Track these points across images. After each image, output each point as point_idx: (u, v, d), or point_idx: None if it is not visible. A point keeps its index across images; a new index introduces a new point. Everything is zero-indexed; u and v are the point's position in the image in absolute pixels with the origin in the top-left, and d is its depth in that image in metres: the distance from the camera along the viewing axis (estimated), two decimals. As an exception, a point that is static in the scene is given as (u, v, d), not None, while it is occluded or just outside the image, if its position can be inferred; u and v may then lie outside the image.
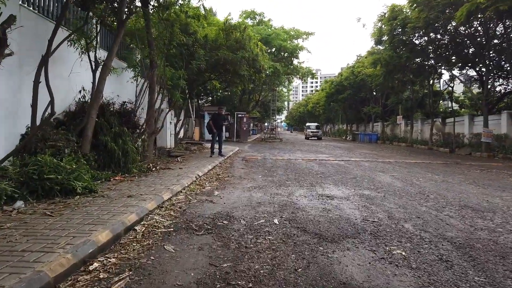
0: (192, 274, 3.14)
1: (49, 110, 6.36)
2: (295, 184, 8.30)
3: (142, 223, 4.50)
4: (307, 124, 50.36)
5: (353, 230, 4.65)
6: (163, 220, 4.75)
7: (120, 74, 11.48)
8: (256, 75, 17.53)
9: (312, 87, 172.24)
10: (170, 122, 14.53)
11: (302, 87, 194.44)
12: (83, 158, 6.76)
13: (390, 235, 4.49)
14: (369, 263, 3.57)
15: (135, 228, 4.27)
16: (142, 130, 10.50)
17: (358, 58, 38.25)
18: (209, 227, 4.57)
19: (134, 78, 10.77)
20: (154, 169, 8.96)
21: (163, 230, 4.35)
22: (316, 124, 48.81)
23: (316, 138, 42.58)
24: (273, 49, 31.39)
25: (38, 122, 6.61)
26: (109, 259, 3.31)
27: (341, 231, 4.61)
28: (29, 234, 3.56)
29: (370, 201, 6.58)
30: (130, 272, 3.07)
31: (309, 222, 4.95)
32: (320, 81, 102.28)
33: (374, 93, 38.89)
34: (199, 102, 31.75)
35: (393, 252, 3.90)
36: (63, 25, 7.43)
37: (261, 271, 3.25)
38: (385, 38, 22.66)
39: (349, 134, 50.78)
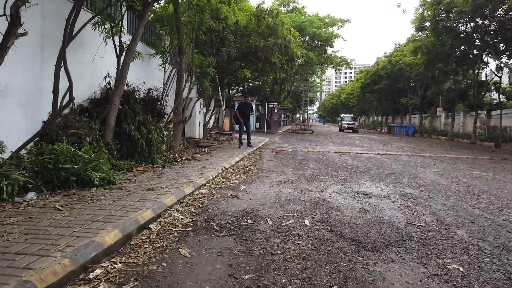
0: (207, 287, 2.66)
1: (68, 97, 6.07)
2: (328, 179, 7.67)
3: (158, 220, 4.09)
4: (342, 115, 47.64)
5: (397, 237, 4.02)
6: (182, 217, 4.31)
7: (148, 61, 11.19)
8: (288, 63, 16.82)
9: (346, 77, 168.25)
10: (199, 112, 14.20)
11: (336, 77, 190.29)
12: (105, 147, 6.46)
13: (442, 244, 3.83)
14: (420, 280, 2.95)
15: (150, 226, 3.85)
16: (169, 119, 10.18)
17: (396, 46, 36.43)
18: (231, 227, 4.09)
19: (162, 65, 10.43)
20: (179, 159, 8.60)
21: (181, 229, 3.91)
22: (351, 115, 46.38)
23: (351, 130, 39.36)
24: (307, 38, 30.37)
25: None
26: (114, 265, 2.89)
27: (383, 237, 3.99)
28: (30, 232, 3.21)
29: (414, 201, 5.87)
30: (136, 283, 2.63)
31: (345, 225, 4.36)
32: (355, 72, 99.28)
33: (412, 84, 37.01)
34: (230, 92, 31.39)
35: (448, 267, 3.25)
36: (86, 8, 7.13)
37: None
38: (427, 24, 21.22)
39: (384, 126, 48.94)
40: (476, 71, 24.34)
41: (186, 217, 4.32)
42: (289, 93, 43.62)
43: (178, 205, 4.79)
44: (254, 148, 13.06)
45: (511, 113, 21.17)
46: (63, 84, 6.36)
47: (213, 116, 17.55)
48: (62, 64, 6.11)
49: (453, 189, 7.02)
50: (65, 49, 5.97)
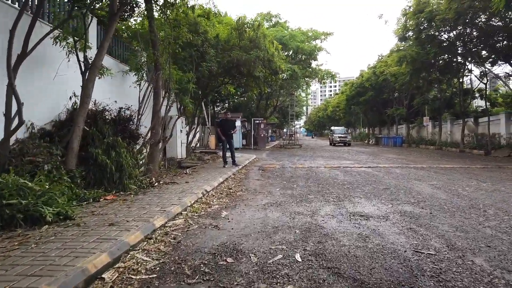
0: None
1: (18, 120, 5.32)
2: (319, 198, 7.01)
3: (116, 265, 3.34)
4: (332, 128, 43.40)
5: (406, 272, 3.35)
6: (147, 259, 3.58)
7: (122, 78, 10.53)
8: (272, 77, 16.34)
9: (331, 91, 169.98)
10: (181, 130, 13.49)
11: (321, 91, 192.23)
12: (67, 175, 5.71)
13: (462, 279, 3.18)
14: None
15: (104, 276, 3.10)
16: (147, 139, 9.46)
17: (380, 58, 36.56)
18: (207, 269, 3.37)
19: (137, 82, 9.76)
20: (156, 184, 7.85)
21: (143, 276, 3.17)
22: (342, 127, 43.21)
23: (343, 144, 36.15)
24: (290, 52, 30.19)
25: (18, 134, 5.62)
26: None
27: (390, 273, 3.31)
28: None
29: (416, 221, 5.24)
30: None
31: (343, 258, 3.68)
32: (339, 85, 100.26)
33: (397, 94, 37.07)
34: (215, 109, 30.80)
35: (477, 314, 2.60)
36: (47, 21, 6.46)
37: None
38: (410, 34, 21.15)
39: (371, 137, 48.87)
40: (461, 79, 24.28)
41: (152, 259, 3.58)
42: (275, 108, 43.28)
43: (145, 243, 4.04)
44: (240, 167, 12.38)
45: (498, 119, 21.01)
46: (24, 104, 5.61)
47: (197, 135, 16.84)
48: (25, 83, 5.38)
49: (455, 204, 6.42)
50: (11, 65, 5.24)
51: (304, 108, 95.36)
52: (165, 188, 7.36)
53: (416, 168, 12.91)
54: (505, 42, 20.87)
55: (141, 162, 8.15)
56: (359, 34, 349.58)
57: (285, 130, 67.64)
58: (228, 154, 12.50)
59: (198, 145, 28.98)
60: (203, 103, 26.53)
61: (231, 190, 7.87)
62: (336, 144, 36.27)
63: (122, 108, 7.78)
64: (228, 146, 12.24)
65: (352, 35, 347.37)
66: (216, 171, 10.73)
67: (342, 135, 37.10)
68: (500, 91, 27.83)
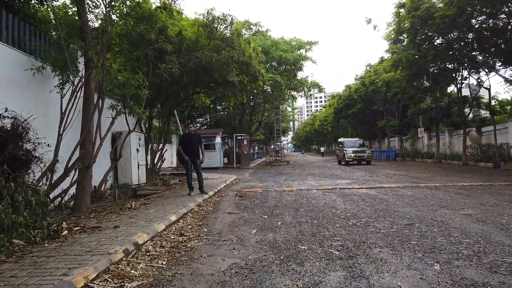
0: None
1: None
2: (316, 251, 4.42)
3: None
4: (342, 140, 30.03)
5: None
6: None
7: (40, 80, 7.88)
8: (251, 84, 13.90)
9: (317, 106, 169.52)
10: (137, 150, 10.84)
11: (307, 107, 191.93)
12: None
13: None
14: None
15: None
16: (73, 163, 6.81)
17: (368, 68, 34.75)
18: None
19: (60, 86, 7.12)
20: (66, 231, 5.15)
21: None
22: (356, 139, 30.80)
23: (356, 162, 25.82)
24: (273, 62, 28.00)
25: None
26: None
27: None
28: None
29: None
30: None
31: None
32: (325, 99, 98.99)
33: (387, 105, 35.12)
34: (191, 124, 28.24)
35: None
36: None
37: None
38: (404, 35, 19.14)
39: (361, 152, 46.73)
40: (459, 85, 22.31)
41: None
42: (260, 124, 41.00)
43: None
44: (210, 194, 9.72)
45: (506, 128, 18.93)
46: None
47: (165, 154, 14.19)
48: None
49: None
50: None
51: (291, 123, 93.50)
52: (71, 242, 4.65)
53: (429, 188, 10.48)
54: (502, 45, 19.07)
55: (47, 198, 5.45)
56: (345, 48, 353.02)
57: (272, 146, 65.28)
58: (196, 178, 9.85)
59: (175, 165, 26.25)
60: (177, 118, 23.96)
61: (182, 238, 5.20)
62: (350, 163, 25.91)
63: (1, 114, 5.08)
64: (193, 168, 9.59)
65: (337, 48, 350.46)
66: (175, 202, 8.06)
67: (358, 149, 26.08)
68: (497, 98, 26.00)
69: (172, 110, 14.41)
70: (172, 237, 5.18)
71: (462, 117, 21.80)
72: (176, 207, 7.26)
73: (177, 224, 6.12)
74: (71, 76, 7.19)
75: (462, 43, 19.61)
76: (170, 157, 26.39)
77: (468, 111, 23.19)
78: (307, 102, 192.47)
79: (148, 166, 12.87)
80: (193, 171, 9.67)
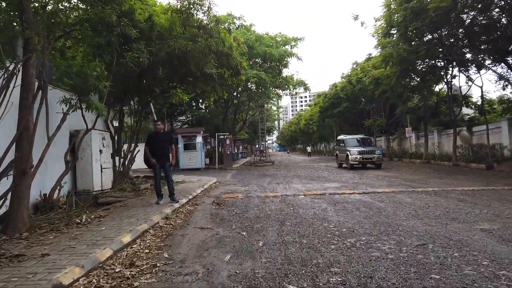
0: None
1: None
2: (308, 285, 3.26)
3: None
4: (343, 137, 23.48)
5: None
6: None
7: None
8: (232, 78, 12.65)
9: (302, 105, 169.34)
10: (100, 151, 9.47)
11: (292, 106, 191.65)
12: None
13: None
14: None
15: None
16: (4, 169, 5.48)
17: (355, 65, 33.89)
18: None
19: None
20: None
21: None
22: (361, 135, 24.22)
23: (361, 165, 20.31)
24: (258, 59, 26.84)
25: None
26: None
27: None
28: None
29: None
30: None
31: None
32: (310, 99, 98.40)
33: (373, 105, 34.36)
34: (173, 123, 26.77)
35: None
36: None
37: None
38: (394, 30, 18.20)
39: (347, 151, 45.98)
40: (450, 83, 21.55)
41: None
42: (244, 123, 39.78)
43: None
44: (182, 202, 8.45)
45: (499, 128, 18.21)
46: None
47: (136, 155, 12.81)
48: None
49: None
50: None
51: (276, 122, 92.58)
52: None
53: (428, 194, 9.47)
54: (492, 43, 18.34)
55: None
56: (330, 46, 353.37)
57: (257, 146, 64.11)
58: (166, 183, 8.56)
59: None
60: (155, 117, 22.51)
61: (130, 271, 3.92)
62: (355, 166, 20.21)
63: None
64: (163, 172, 8.29)
65: (323, 47, 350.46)
66: (137, 214, 6.78)
67: (365, 149, 20.02)
68: (486, 97, 25.38)
69: (146, 107, 13.05)
70: (117, 270, 3.92)
71: (453, 116, 21.05)
72: (137, 222, 5.99)
73: (131, 247, 4.85)
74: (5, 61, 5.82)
75: (453, 40, 18.85)
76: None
77: (459, 110, 22.44)
78: (292, 102, 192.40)
79: (118, 168, 11.51)
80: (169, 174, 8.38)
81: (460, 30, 18.66)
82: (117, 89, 11.90)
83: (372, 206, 7.86)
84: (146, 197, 9.29)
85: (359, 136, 23.29)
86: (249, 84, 28.03)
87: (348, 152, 20.29)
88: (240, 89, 23.27)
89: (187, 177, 16.44)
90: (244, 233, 5.59)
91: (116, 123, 12.93)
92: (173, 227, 6.19)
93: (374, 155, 19.74)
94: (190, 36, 10.33)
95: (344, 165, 21.50)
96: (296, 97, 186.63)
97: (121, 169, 11.81)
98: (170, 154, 8.46)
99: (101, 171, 9.44)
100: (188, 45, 9.63)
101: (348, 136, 23.35)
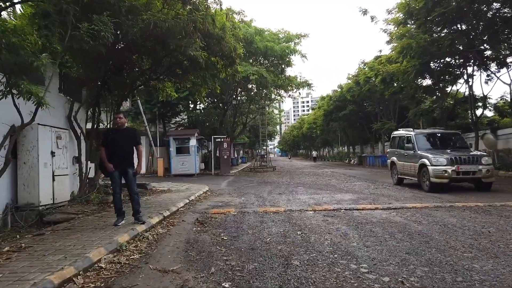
0: None
1: None
2: None
3: None
4: (409, 133, 12.94)
5: None
6: None
7: None
8: (226, 69, 10.58)
9: (304, 110, 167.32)
10: (53, 153, 7.37)
11: (294, 111, 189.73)
12: None
13: None
14: None
15: None
16: None
17: (362, 65, 31.80)
18: None
19: None
20: None
21: None
22: (443, 130, 14.61)
23: (453, 182, 10.88)
24: (259, 56, 24.80)
25: None
26: None
27: None
28: None
29: None
30: None
31: None
32: (313, 103, 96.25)
33: (381, 108, 32.21)
34: (165, 125, 24.70)
35: None
36: None
37: None
38: (411, 22, 16.14)
39: (353, 157, 43.87)
40: (470, 82, 19.44)
41: None
42: (245, 126, 37.63)
43: None
44: (151, 223, 6.30)
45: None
46: None
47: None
48: None
49: None
50: None
51: (278, 127, 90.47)
52: None
53: (474, 211, 7.34)
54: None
55: None
56: (335, 49, 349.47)
57: (258, 150, 61.68)
58: (132, 198, 6.38)
59: (145, 170, 22.74)
60: (144, 117, 20.47)
61: None
62: (441, 185, 10.71)
63: None
64: (126, 182, 6.15)
65: (328, 48, 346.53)
66: (78, 244, 4.66)
67: (463, 157, 10.76)
68: (505, 98, 23.19)
69: (122, 101, 10.97)
70: None
71: (474, 118, 18.91)
72: (62, 261, 3.87)
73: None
74: None
75: (474, 33, 16.79)
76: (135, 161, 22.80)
77: (483, 112, 20.25)
78: (294, 106, 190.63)
79: (85, 175, 9.41)
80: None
81: (481, 23, 16.66)
82: (88, 78, 9.94)
83: (409, 230, 5.73)
84: (109, 213, 7.16)
85: (438, 130, 13.94)
86: (249, 85, 26.02)
87: (425, 159, 11.12)
88: (236, 82, 21.13)
89: (176, 184, 14.34)
90: (226, 286, 3.47)
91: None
92: (121, 268, 4.06)
93: (480, 167, 10.53)
94: (172, 13, 8.27)
95: (408, 181, 13.02)
96: (298, 102, 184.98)
97: (86, 177, 9.67)
98: (138, 159, 6.35)
99: (53, 179, 7.34)
100: (167, 19, 7.56)
101: (417, 132, 13.07)
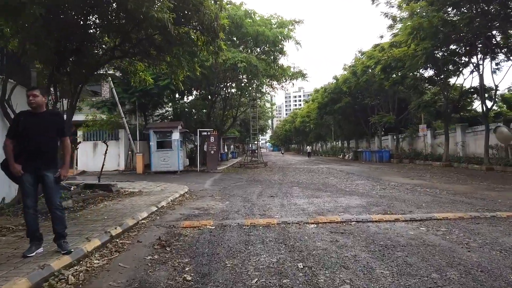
0: None
1: None
2: None
3: None
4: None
5: None
6: None
7: None
8: (207, 45, 8.62)
9: (296, 105, 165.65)
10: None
11: (286, 105, 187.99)
12: None
13: None
14: None
15: None
16: None
17: (359, 54, 29.93)
18: None
19: None
20: None
21: None
22: None
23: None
24: (249, 41, 22.80)
25: None
26: None
27: None
28: None
29: None
30: None
31: None
32: (306, 97, 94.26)
33: (379, 99, 30.44)
34: (147, 118, 22.61)
35: None
36: None
37: None
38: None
39: (347, 152, 42.21)
40: (481, 71, 17.70)
41: None
42: (235, 119, 35.64)
43: None
44: (86, 250, 4.35)
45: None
46: None
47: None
48: None
49: None
50: None
51: (270, 121, 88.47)
52: None
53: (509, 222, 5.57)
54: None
55: None
56: (330, 41, 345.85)
57: (249, 145, 59.73)
58: (54, 213, 4.37)
59: (123, 166, 20.71)
60: (120, 108, 18.41)
61: None
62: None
63: None
64: (44, 191, 4.21)
65: (322, 41, 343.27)
66: None
67: None
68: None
69: (82, 85, 8.94)
70: None
71: (485, 110, 17.21)
72: None
73: None
74: None
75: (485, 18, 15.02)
76: (116, 157, 20.82)
77: (493, 104, 18.54)
78: (286, 101, 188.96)
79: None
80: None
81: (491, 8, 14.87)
82: (32, 55, 7.97)
83: (460, 259, 3.91)
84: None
85: None
86: (239, 75, 24.10)
87: None
88: (222, 68, 19.13)
89: (152, 184, 12.40)
90: None
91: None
92: None
93: None
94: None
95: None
96: (290, 97, 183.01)
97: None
98: (64, 158, 4.39)
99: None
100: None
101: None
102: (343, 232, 5.37)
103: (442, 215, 6.28)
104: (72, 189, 9.59)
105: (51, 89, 8.98)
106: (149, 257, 4.31)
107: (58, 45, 8.07)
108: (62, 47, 8.21)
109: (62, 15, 7.11)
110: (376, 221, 6.04)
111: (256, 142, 32.65)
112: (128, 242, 5.01)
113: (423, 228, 5.46)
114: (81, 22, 8.26)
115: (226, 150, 45.38)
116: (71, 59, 8.58)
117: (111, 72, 18.26)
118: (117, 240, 5.03)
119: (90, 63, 9.11)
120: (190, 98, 29.47)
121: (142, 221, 6.24)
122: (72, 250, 4.04)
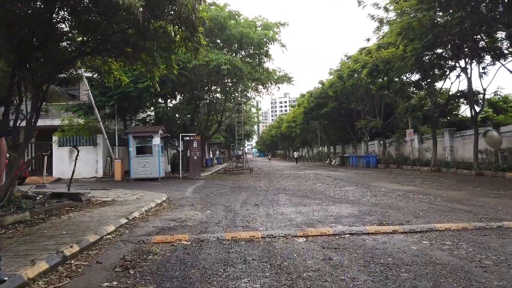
0: None
1: None
2: None
3: None
4: None
5: None
6: None
7: None
8: (186, 41, 7.93)
9: (282, 110, 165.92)
10: None
11: (272, 111, 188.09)
12: None
13: None
14: None
15: None
16: None
17: (345, 58, 29.67)
18: None
19: None
20: None
21: None
22: None
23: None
24: (234, 45, 22.19)
25: None
26: None
27: None
28: None
29: None
30: None
31: None
32: (292, 103, 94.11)
33: (365, 103, 30.15)
34: (126, 122, 21.65)
35: None
36: None
37: None
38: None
39: (333, 157, 41.88)
40: (469, 74, 17.46)
41: None
42: (219, 124, 34.90)
43: None
44: (25, 278, 3.57)
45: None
46: None
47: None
48: None
49: None
50: None
51: (255, 127, 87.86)
52: None
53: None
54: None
55: None
56: (315, 47, 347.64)
57: (235, 151, 58.74)
58: None
59: (101, 173, 19.70)
60: (96, 111, 17.49)
61: None
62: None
63: None
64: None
65: (307, 47, 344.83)
66: None
67: None
68: (499, 93, 21.48)
69: (45, 83, 8.11)
70: None
71: (474, 114, 16.94)
72: None
73: None
74: None
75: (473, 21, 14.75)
76: (94, 164, 19.80)
77: (482, 107, 18.26)
78: (272, 106, 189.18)
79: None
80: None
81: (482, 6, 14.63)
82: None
83: (476, 281, 3.27)
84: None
85: None
86: (224, 79, 23.44)
87: None
88: (205, 70, 18.44)
89: (128, 192, 11.56)
90: None
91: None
92: None
93: None
94: None
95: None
96: (276, 102, 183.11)
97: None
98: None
99: None
100: None
101: None
102: (337, 247, 4.70)
103: (444, 226, 5.68)
104: (38, 198, 8.74)
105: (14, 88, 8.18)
106: (106, 284, 3.55)
107: (21, 39, 7.29)
108: (24, 42, 7.43)
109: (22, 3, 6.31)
110: (372, 233, 5.40)
111: (241, 148, 31.92)
112: (85, 263, 4.23)
113: (426, 242, 4.84)
114: (47, 15, 7.50)
115: (211, 156, 44.58)
116: (33, 55, 7.77)
117: (89, 74, 17.34)
118: (72, 262, 4.23)
119: (56, 59, 8.30)
120: (174, 102, 28.69)
121: (107, 236, 5.45)
122: (6, 278, 3.25)
